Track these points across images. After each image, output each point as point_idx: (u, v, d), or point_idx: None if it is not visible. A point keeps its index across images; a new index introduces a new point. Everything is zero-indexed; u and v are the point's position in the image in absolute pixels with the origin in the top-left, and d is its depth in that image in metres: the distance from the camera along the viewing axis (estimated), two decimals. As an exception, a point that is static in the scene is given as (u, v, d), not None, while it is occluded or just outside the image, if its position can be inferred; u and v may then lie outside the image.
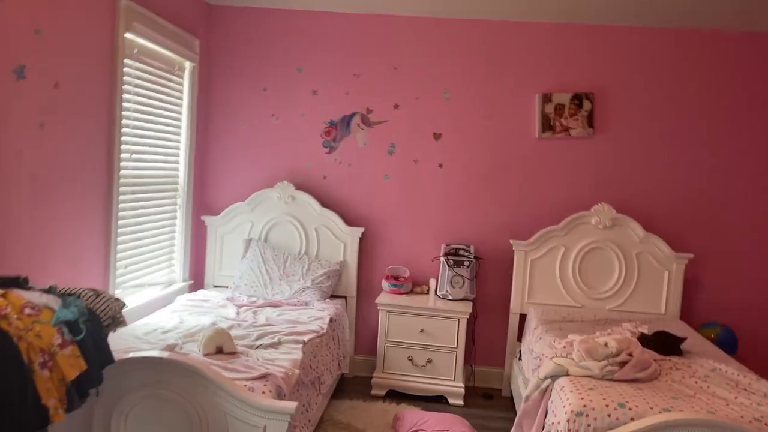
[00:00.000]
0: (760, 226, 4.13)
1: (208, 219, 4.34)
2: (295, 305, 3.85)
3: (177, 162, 4.10)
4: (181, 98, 4.07)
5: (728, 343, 3.85)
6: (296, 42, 4.32)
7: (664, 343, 3.08)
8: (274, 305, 3.81)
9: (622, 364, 2.68)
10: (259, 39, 4.34)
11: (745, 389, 2.63)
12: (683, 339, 3.14)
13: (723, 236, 4.15)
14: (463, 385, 3.95)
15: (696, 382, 2.67)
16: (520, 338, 4.09)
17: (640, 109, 4.14)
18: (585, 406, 2.38)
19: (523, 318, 4.11)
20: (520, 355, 3.86)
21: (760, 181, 4.11)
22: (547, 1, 3.85)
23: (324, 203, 4.31)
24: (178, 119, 4.07)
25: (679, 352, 3.09)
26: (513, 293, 4.13)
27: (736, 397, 2.51)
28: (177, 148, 4.08)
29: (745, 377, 2.74)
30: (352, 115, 4.34)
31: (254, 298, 3.95)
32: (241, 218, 4.32)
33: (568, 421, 2.36)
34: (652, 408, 2.35)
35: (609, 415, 2.34)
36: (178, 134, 4.09)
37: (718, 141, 4.11)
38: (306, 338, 3.16)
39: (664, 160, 4.15)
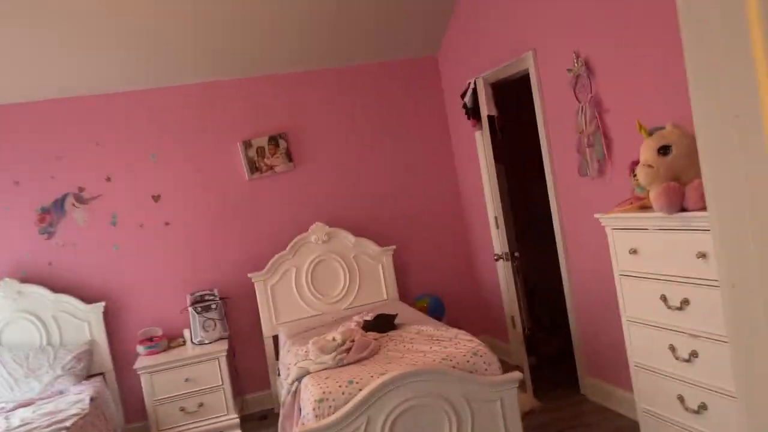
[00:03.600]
0: (440, 211, 5.19)
1: None
2: (50, 397, 3.80)
3: None
4: None
5: (438, 309, 4.81)
6: (-17, 137, 4.22)
7: (381, 323, 3.82)
8: (26, 404, 3.72)
9: (348, 350, 3.30)
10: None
11: (438, 339, 3.44)
12: (394, 315, 3.91)
13: (417, 225, 5.12)
14: (237, 415, 4.29)
15: (405, 346, 3.42)
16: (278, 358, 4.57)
17: (325, 138, 4.92)
18: (324, 392, 2.93)
19: (277, 339, 4.60)
20: (279, 372, 4.33)
21: (429, 173, 5.16)
22: (228, 62, 4.42)
23: (57, 289, 4.28)
24: None
25: (394, 327, 3.85)
26: (262, 320, 4.59)
27: (431, 348, 3.30)
28: None
29: (439, 330, 3.58)
30: (65, 196, 4.38)
31: (2, 404, 3.79)
32: (-36, 329, 4.07)
33: (313, 409, 2.88)
34: (372, 376, 2.99)
35: (343, 393, 2.92)
36: None
37: (395, 152, 5.07)
38: (68, 423, 3.22)
39: (354, 176, 4.98)
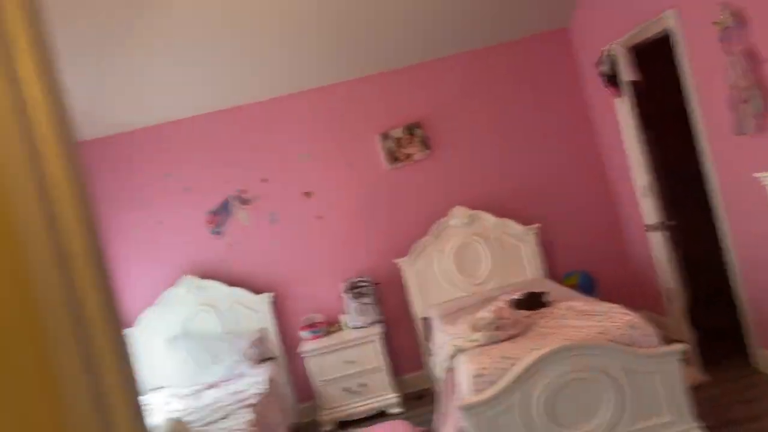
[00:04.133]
0: (585, 185, 5.06)
1: (125, 332, 4.64)
2: (232, 379, 4.26)
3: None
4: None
5: (587, 285, 4.72)
6: (159, 153, 4.80)
7: (531, 301, 3.83)
8: (214, 386, 4.21)
9: (500, 328, 3.37)
10: (123, 160, 4.77)
11: (591, 314, 3.40)
12: (544, 293, 3.91)
13: (561, 201, 5.03)
14: (396, 394, 4.52)
15: (557, 322, 3.42)
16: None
17: (461, 123, 4.98)
18: (481, 367, 3.03)
19: (427, 321, 4.77)
20: (431, 352, 4.50)
21: (570, 149, 5.06)
22: (361, 59, 4.65)
23: (230, 283, 4.77)
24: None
25: (545, 304, 3.85)
26: (412, 303, 4.79)
27: (585, 323, 3.27)
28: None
29: (591, 306, 3.53)
30: (228, 199, 4.86)
31: (195, 386, 4.31)
32: (158, 321, 4.66)
33: (473, 384, 3.00)
34: (526, 352, 3.04)
35: (497, 368, 3.00)
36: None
37: (532, 129, 5.02)
38: (253, 401, 3.61)
39: (492, 158, 5.00)
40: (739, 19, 3.07)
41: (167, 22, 3.79)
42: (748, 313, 3.70)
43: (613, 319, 3.19)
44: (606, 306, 3.46)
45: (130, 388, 0.79)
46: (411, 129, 4.91)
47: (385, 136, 4.90)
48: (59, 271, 0.72)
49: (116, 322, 0.82)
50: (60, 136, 0.75)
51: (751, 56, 3.06)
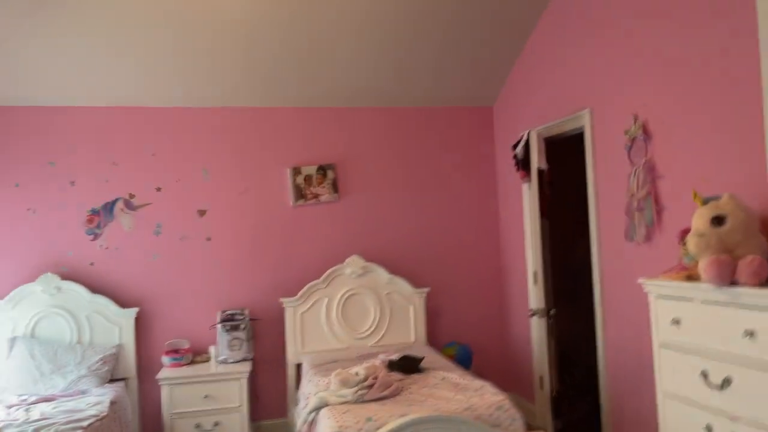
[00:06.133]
0: (478, 259, 5.14)
1: (-39, 323, 4.12)
2: (71, 395, 3.84)
3: None
4: None
5: (465, 358, 4.71)
6: (49, 137, 4.41)
7: (406, 365, 3.76)
8: (48, 399, 3.77)
9: (370, 387, 3.25)
10: (7, 137, 4.34)
11: (463, 388, 3.36)
12: (421, 359, 3.85)
13: (453, 271, 5.08)
14: (250, 440, 4.25)
15: (428, 391, 3.35)
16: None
17: (373, 173, 4.96)
18: (341, 426, 2.88)
19: (299, 368, 4.57)
20: (298, 401, 4.29)
21: (472, 220, 5.14)
22: (292, 90, 4.56)
23: (94, 290, 4.37)
24: None
25: (419, 370, 3.78)
26: (287, 346, 4.58)
27: (455, 396, 3.22)
28: None
29: (465, 380, 3.50)
30: (115, 200, 4.51)
31: (25, 396, 3.85)
32: (2, 316, 4.18)
33: (329, 442, 2.84)
34: (392, 416, 2.93)
35: (360, 430, 2.87)
36: None
37: (440, 196, 5.08)
38: (85, 423, 3.24)
39: (395, 213, 4.99)
40: (647, 133, 3.26)
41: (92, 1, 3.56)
42: (607, 411, 3.80)
43: (484, 397, 3.16)
44: (479, 383, 3.44)
45: None
46: (324, 169, 4.83)
47: (297, 171, 4.78)
48: None
49: None
50: None
51: (651, 169, 3.24)
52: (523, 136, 4.28)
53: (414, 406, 3.09)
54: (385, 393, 3.24)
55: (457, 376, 3.58)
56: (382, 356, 4.14)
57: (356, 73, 4.56)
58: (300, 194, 4.79)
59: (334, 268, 4.70)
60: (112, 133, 4.53)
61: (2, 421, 3.32)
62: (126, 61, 4.15)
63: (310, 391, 3.58)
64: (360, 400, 3.18)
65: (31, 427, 3.17)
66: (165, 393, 4.15)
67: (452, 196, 5.13)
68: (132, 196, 4.54)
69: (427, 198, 5.07)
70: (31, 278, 4.27)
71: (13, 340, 4.16)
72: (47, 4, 3.55)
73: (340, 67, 4.49)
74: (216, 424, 4.18)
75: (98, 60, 4.10)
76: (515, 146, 4.39)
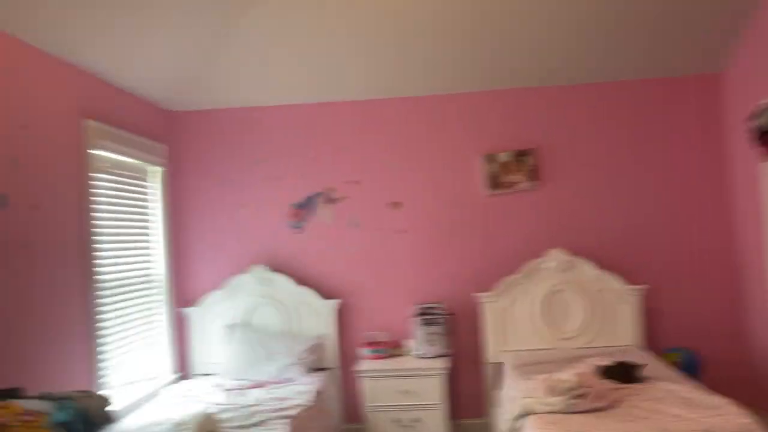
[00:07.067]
0: (707, 253, 4.43)
1: (188, 311, 4.53)
2: (281, 382, 4.02)
3: (155, 260, 4.34)
4: (155, 200, 4.38)
5: (691, 368, 4.08)
6: (255, 136, 4.68)
7: (623, 372, 3.30)
8: (260, 386, 3.97)
9: (583, 396, 2.89)
10: (221, 137, 4.69)
11: (697, 405, 2.84)
12: (641, 366, 3.36)
13: (675, 267, 4.43)
14: (450, 439, 4.10)
15: (651, 405, 2.89)
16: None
17: (577, 158, 4.51)
18: (550, 440, 2.58)
19: (498, 366, 4.31)
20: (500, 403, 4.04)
21: (696, 208, 4.44)
22: (476, 73, 4.31)
23: (299, 281, 4.54)
24: (154, 220, 4.34)
25: (639, 379, 3.30)
26: (486, 344, 4.34)
27: (687, 413, 2.72)
28: (154, 247, 4.33)
29: (697, 394, 2.97)
30: (317, 194, 4.64)
31: (242, 381, 4.10)
32: (221, 306, 4.51)
33: (536, 456, 2.56)
34: (609, 433, 2.56)
35: (571, 446, 2.54)
36: (155, 234, 4.35)
37: (657, 181, 4.46)
38: (293, 412, 3.33)
39: (605, 202, 4.48)
40: None
41: (287, 8, 3.67)
42: None
43: (726, 418, 2.63)
44: (716, 399, 2.89)
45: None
46: (520, 155, 4.50)
47: (490, 159, 4.51)
48: None
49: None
50: None
51: None
52: (764, 103, 3.54)
53: (636, 423, 2.66)
54: (600, 404, 2.85)
55: (685, 388, 3.05)
56: (592, 360, 3.72)
57: (557, 45, 4.14)
58: (495, 182, 4.52)
59: (533, 262, 4.36)
60: (310, 130, 4.67)
61: (223, 405, 3.54)
62: (316, 60, 4.21)
63: (513, 396, 3.31)
64: (570, 410, 2.83)
65: (247, 411, 3.32)
66: (365, 385, 4.16)
67: (671, 179, 4.47)
68: (331, 189, 4.64)
69: (640, 182, 4.48)
70: (244, 270, 4.56)
71: (232, 327, 4.48)
72: (253, 9, 3.71)
73: (538, 42, 4.10)
74: (415, 420, 4.10)
75: (299, 61, 4.22)
76: (753, 118, 3.66)
